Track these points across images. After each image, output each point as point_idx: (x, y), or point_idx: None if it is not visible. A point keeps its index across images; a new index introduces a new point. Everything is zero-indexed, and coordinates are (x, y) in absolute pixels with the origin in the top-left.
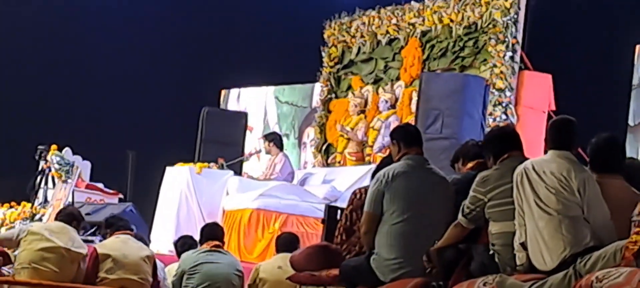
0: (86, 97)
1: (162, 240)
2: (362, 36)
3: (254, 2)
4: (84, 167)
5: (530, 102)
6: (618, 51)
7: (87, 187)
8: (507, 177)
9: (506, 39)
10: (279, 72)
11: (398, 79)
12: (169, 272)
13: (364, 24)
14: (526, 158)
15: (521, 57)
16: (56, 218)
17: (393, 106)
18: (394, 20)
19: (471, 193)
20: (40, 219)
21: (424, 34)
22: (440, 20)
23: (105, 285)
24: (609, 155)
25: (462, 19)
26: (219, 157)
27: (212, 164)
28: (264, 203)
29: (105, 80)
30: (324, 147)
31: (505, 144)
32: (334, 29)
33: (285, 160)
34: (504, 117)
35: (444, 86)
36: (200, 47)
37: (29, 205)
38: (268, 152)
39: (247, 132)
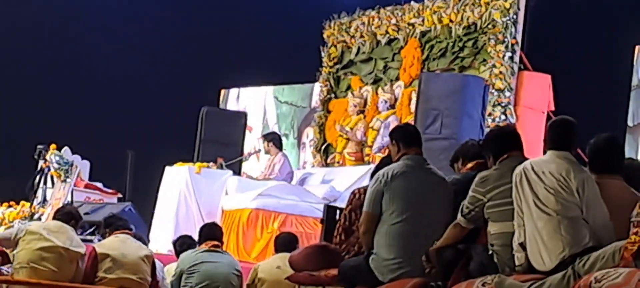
0: (85, 96)
1: (161, 239)
2: (361, 36)
3: (253, 2)
4: (83, 167)
5: (529, 103)
6: (617, 52)
7: (86, 186)
8: (506, 177)
9: (505, 40)
10: (279, 72)
11: (397, 79)
12: (168, 272)
13: (363, 24)
14: (526, 159)
15: (520, 58)
16: (54, 218)
17: (392, 106)
18: (393, 21)
19: (470, 193)
20: (39, 218)
21: (423, 34)
22: (440, 21)
23: (104, 285)
24: (609, 155)
25: (462, 19)
26: (218, 157)
27: (211, 164)
28: (263, 203)
29: (104, 80)
30: (323, 147)
31: (505, 143)
32: (334, 29)
33: (284, 160)
34: (503, 117)
35: (443, 86)
36: (199, 47)
37: (28, 204)
38: (267, 152)
39: (247, 132)
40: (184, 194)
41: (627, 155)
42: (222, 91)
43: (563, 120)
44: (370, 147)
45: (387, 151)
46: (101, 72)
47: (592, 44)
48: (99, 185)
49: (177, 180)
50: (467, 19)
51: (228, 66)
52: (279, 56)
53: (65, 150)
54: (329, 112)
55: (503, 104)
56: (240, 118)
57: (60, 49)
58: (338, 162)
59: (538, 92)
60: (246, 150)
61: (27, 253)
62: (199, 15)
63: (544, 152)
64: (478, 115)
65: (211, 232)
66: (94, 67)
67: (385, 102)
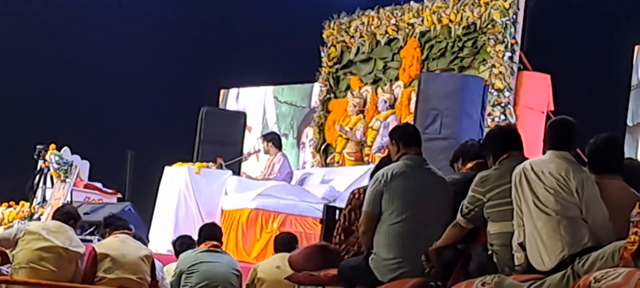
0: (85, 96)
1: (160, 239)
2: (361, 36)
3: (253, 2)
4: (82, 167)
5: (529, 103)
6: (617, 52)
7: (86, 186)
8: (506, 177)
9: (505, 39)
10: (278, 72)
11: (397, 79)
12: (168, 272)
13: (363, 24)
14: (526, 159)
15: (520, 58)
16: (53, 217)
17: (392, 106)
18: (393, 21)
19: (470, 193)
20: (38, 218)
21: (423, 34)
22: (439, 21)
23: (103, 285)
24: (608, 155)
25: (461, 19)
26: (218, 157)
27: (210, 164)
28: (263, 203)
29: (104, 80)
30: (322, 147)
31: (505, 143)
32: (333, 29)
33: (283, 160)
34: (502, 117)
35: (442, 86)
36: (199, 47)
37: (28, 204)
38: (267, 152)
39: (246, 131)
40: (183, 194)
41: (626, 155)
42: (222, 91)
43: (562, 120)
44: (370, 147)
45: (386, 151)
46: (101, 72)
47: (592, 44)
48: (99, 185)
49: (176, 180)
50: (467, 19)
51: (227, 66)
52: (279, 56)
53: (65, 150)
54: (328, 112)
55: (502, 104)
56: (239, 118)
57: (60, 49)
58: (337, 162)
59: (537, 92)
60: (246, 150)
61: (26, 253)
62: (199, 15)
63: (544, 152)
64: (477, 115)
65: (211, 232)
66: (94, 67)
67: (385, 102)
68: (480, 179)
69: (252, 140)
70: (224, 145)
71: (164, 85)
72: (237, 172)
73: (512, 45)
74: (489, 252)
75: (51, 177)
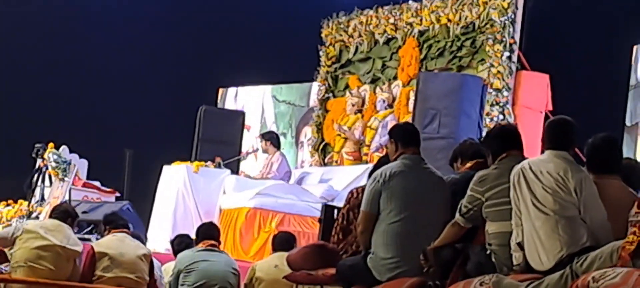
0: (83, 95)
1: (159, 238)
2: (359, 35)
3: (251, 1)
4: (81, 165)
5: (527, 102)
6: (615, 52)
7: (84, 185)
8: (505, 176)
9: (504, 39)
10: (277, 71)
11: (395, 78)
12: (166, 271)
13: (361, 23)
14: (525, 158)
15: (518, 57)
16: (51, 216)
17: (390, 105)
18: (391, 20)
19: (469, 192)
20: (37, 217)
21: (421, 33)
22: (438, 20)
23: (102, 284)
24: (607, 155)
25: (460, 18)
26: (216, 156)
27: (209, 163)
28: (261, 202)
29: (102, 79)
30: (321, 146)
31: (505, 142)
32: (332, 28)
33: (282, 159)
34: (501, 117)
35: (441, 86)
36: (197, 46)
37: (26, 203)
38: (265, 151)
39: (245, 131)
40: (181, 193)
41: (625, 154)
42: (220, 90)
43: (561, 119)
44: (368, 146)
45: (385, 150)
46: (99, 71)
47: (590, 44)
48: (97, 184)
49: (175, 179)
50: (465, 19)
51: (226, 65)
52: (277, 55)
53: (63, 149)
54: (327, 111)
55: (501, 104)
56: (238, 117)
57: (59, 48)
58: (336, 161)
59: (536, 91)
60: (244, 149)
61: (24, 252)
62: (198, 14)
63: (542, 152)
64: (476, 114)
65: (208, 232)
66: (92, 67)
67: (383, 101)
68: (479, 178)
69: (250, 139)
70: (222, 144)
71: (162, 84)
72: (235, 171)
73: (510, 44)
74: (487, 252)
75: (49, 176)
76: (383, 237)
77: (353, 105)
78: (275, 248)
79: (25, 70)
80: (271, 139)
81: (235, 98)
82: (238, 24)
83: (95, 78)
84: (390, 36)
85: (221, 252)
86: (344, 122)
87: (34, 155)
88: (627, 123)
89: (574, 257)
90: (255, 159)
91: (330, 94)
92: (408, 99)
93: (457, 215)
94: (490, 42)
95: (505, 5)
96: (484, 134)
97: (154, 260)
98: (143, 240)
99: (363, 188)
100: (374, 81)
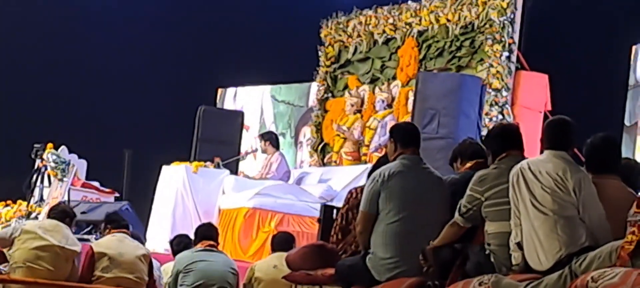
0: (82, 95)
1: (158, 239)
2: (358, 35)
3: (250, 1)
4: (80, 166)
5: (526, 102)
6: (614, 52)
7: (83, 185)
8: (504, 176)
9: (503, 39)
10: (276, 71)
11: (394, 78)
12: (165, 271)
13: (360, 23)
14: (525, 158)
15: (518, 57)
16: (49, 216)
17: (389, 106)
18: (390, 20)
19: (468, 192)
20: (36, 217)
21: (420, 33)
22: (437, 20)
23: (101, 284)
24: (606, 155)
25: (459, 18)
26: (215, 156)
27: (208, 163)
28: (260, 202)
29: (101, 79)
30: (320, 147)
31: (505, 142)
32: (331, 28)
33: (281, 159)
34: (500, 117)
35: (440, 86)
36: (197, 46)
37: (25, 203)
38: (264, 151)
39: (244, 131)
40: (181, 193)
41: (624, 154)
42: (219, 90)
43: (560, 119)
44: (367, 146)
45: (384, 150)
46: (98, 72)
47: (589, 44)
48: (96, 184)
49: (174, 179)
50: (465, 19)
51: (225, 65)
52: (277, 55)
53: (62, 149)
54: (326, 111)
55: (500, 104)
56: (237, 117)
57: (58, 48)
58: (335, 162)
59: (535, 91)
60: (243, 149)
61: (23, 252)
62: (197, 14)
63: (541, 152)
64: (475, 114)
65: (207, 232)
66: (92, 67)
67: (383, 101)
68: (479, 178)
69: (249, 140)
70: (221, 145)
71: (161, 84)
72: (234, 171)
73: (509, 44)
74: (487, 252)
75: (48, 176)
76: (382, 237)
77: (352, 105)
78: (274, 249)
79: (24, 70)
80: (270, 139)
81: (234, 98)
82: (237, 24)
83: (95, 78)
84: (389, 36)
85: (220, 252)
86: (343, 122)
87: (33, 156)
88: (626, 123)
89: (573, 256)
90: (254, 159)
91: (330, 94)
92: (407, 99)
93: (457, 214)
94: (490, 42)
95: (505, 5)
96: (483, 134)
97: (153, 260)
98: (142, 241)
99: (362, 188)
100: (373, 81)
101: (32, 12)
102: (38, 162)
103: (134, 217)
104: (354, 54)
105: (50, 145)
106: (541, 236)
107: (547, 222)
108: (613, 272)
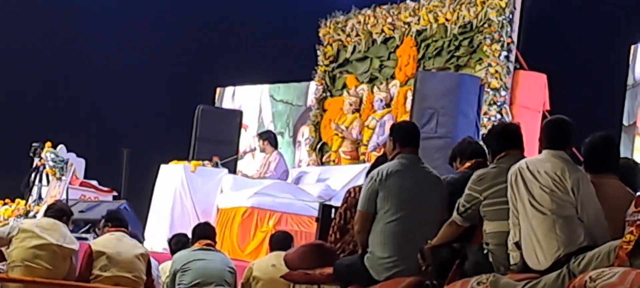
0: (81, 94)
1: (156, 237)
2: (357, 35)
3: (249, 1)
4: (78, 165)
5: (525, 102)
6: (613, 51)
7: (82, 184)
8: (503, 176)
9: (501, 39)
10: (274, 70)
11: (393, 77)
12: (163, 270)
13: (359, 22)
14: (524, 158)
15: (516, 57)
16: (46, 215)
17: (388, 105)
18: (389, 19)
19: (467, 191)
20: (34, 216)
21: (419, 33)
22: (436, 20)
23: (99, 283)
24: (604, 154)
25: (458, 18)
26: (214, 155)
27: (206, 162)
28: (258, 201)
29: (100, 79)
30: (318, 146)
31: (504, 141)
32: (330, 28)
33: (279, 158)
34: (498, 116)
35: (439, 85)
36: (195, 45)
37: (24, 202)
38: (262, 151)
39: (242, 130)
40: (179, 192)
41: (622, 154)
42: (218, 89)
43: (558, 119)
44: (366, 145)
45: (382, 150)
46: (97, 71)
47: (588, 44)
48: (94, 183)
49: (172, 179)
50: (463, 18)
51: (224, 64)
52: (275, 55)
53: (61, 148)
54: (324, 110)
55: (498, 103)
56: (235, 116)
57: (57, 48)
58: (333, 161)
59: (534, 91)
60: (241, 149)
61: (20, 251)
62: (196, 14)
63: (539, 152)
64: (474, 114)
65: (204, 232)
66: (90, 66)
67: (381, 100)
68: (478, 177)
69: (248, 139)
70: (219, 144)
71: (160, 83)
72: (232, 170)
73: (508, 44)
74: (485, 251)
75: (47, 175)
76: (380, 236)
77: (350, 105)
78: (273, 248)
79: (24, 70)
80: (268, 138)
81: (232, 97)
82: (236, 23)
83: (93, 77)
84: (387, 36)
85: (217, 251)
86: (342, 121)
87: (31, 155)
88: (625, 122)
89: (571, 256)
90: (253, 158)
91: (328, 94)
92: (406, 99)
93: (455, 213)
94: (488, 41)
95: (503, 5)
96: (481, 133)
97: (152, 260)
98: (140, 240)
99: (360, 187)
100: (372, 80)
101: (32, 12)
102: (36, 161)
103: (132, 216)
104: (352, 53)
105: (48, 144)
106: (539, 236)
107: (546, 221)
108: (611, 272)
